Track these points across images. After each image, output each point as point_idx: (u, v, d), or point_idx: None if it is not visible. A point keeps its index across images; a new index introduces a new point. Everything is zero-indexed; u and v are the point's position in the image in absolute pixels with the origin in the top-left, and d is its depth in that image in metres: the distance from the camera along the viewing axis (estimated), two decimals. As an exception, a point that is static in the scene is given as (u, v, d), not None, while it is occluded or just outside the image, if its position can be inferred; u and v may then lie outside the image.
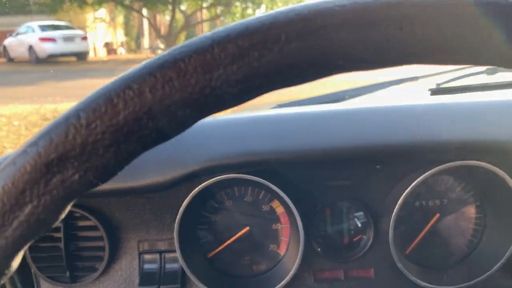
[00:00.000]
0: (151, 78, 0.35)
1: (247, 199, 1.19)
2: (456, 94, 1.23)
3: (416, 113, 1.01)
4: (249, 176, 1.04)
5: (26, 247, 0.40)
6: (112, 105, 0.35)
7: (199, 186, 1.04)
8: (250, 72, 0.35)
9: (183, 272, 1.16)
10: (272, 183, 1.05)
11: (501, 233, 1.11)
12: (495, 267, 1.08)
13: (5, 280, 0.41)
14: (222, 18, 26.41)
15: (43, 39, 16.71)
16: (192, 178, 1.01)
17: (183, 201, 1.07)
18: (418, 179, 1.03)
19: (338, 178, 1.15)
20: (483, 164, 1.00)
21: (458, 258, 1.17)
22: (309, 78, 0.37)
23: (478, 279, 1.09)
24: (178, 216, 1.06)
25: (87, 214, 1.14)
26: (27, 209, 0.37)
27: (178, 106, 0.36)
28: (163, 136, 0.38)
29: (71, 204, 0.40)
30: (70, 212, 1.14)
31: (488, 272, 1.08)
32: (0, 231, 0.37)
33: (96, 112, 0.36)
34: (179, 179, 0.99)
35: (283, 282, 1.09)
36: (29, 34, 17.49)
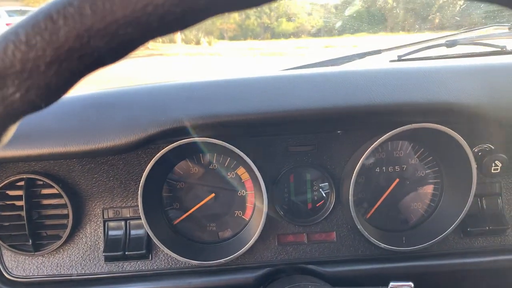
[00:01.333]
0: None
1: (212, 166, 1.20)
2: (416, 62, 1.27)
3: (376, 77, 1.04)
4: (213, 139, 1.05)
5: None
6: (52, 21, 0.36)
7: (162, 150, 1.05)
8: None
9: (149, 238, 1.16)
10: (236, 148, 1.06)
11: (456, 197, 1.16)
12: (449, 229, 1.13)
13: None
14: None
15: (10, 25, 16.14)
16: (154, 140, 1.01)
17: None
18: (376, 141, 1.06)
19: (300, 143, 1.18)
20: (437, 126, 1.04)
21: (416, 222, 1.22)
22: None
23: (434, 240, 1.13)
24: (142, 181, 1.06)
25: (50, 182, 1.12)
26: None
27: (120, 25, 0.36)
28: (105, 57, 0.38)
29: (13, 126, 0.40)
30: (33, 180, 1.13)
31: (443, 234, 1.13)
32: None
33: (35, 28, 0.36)
34: (140, 141, 0.99)
35: (247, 246, 1.11)
36: (-5, 19, 16.84)
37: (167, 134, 1.00)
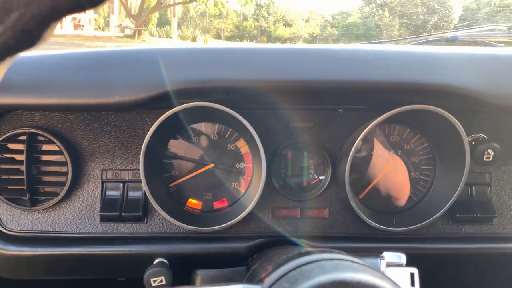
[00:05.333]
0: None
1: (213, 137, 1.22)
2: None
3: (381, 56, 1.07)
4: (220, 106, 1.07)
5: (6, 64, 0.42)
6: None
7: (167, 112, 1.06)
8: None
9: (145, 201, 1.18)
10: (241, 116, 1.08)
11: (447, 184, 1.19)
12: (438, 213, 1.16)
13: None
14: (195, 4, 26.18)
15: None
16: (161, 99, 1.02)
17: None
18: (375, 121, 1.09)
19: (301, 120, 1.20)
20: (437, 109, 1.07)
21: (407, 205, 1.25)
22: None
23: (423, 223, 1.17)
24: (145, 141, 1.07)
25: (52, 138, 1.13)
26: (13, 16, 0.39)
27: None
28: None
29: (55, 24, 0.41)
30: (35, 135, 1.14)
31: (432, 218, 1.16)
32: None
33: None
34: (149, 98, 1.00)
35: (242, 214, 1.13)
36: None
37: (175, 95, 1.02)
